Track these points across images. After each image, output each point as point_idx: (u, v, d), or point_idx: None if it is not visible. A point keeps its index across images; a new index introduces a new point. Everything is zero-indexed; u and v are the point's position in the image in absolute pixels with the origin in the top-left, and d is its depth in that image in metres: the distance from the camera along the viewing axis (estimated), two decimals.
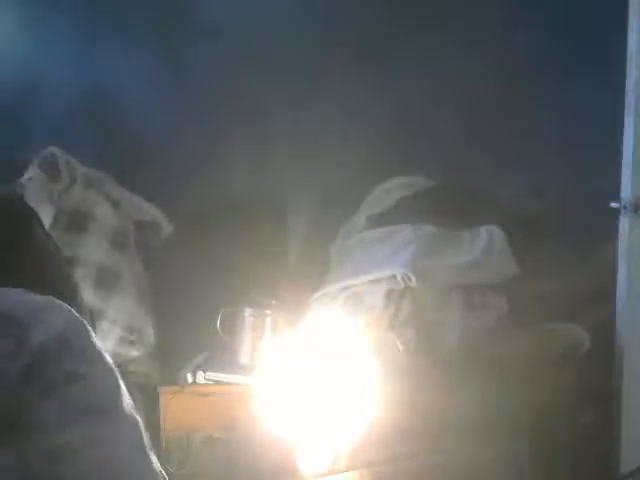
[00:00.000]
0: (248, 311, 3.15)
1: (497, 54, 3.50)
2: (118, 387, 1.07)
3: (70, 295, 1.18)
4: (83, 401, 1.01)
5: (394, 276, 3.03)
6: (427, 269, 3.08)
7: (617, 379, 3.06)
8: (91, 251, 3.23)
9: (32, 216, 1.22)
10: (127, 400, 1.07)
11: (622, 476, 3.04)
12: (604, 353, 3.08)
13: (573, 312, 3.12)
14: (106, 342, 3.13)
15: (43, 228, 1.22)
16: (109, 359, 1.08)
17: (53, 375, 1.00)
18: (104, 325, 3.15)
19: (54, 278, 1.19)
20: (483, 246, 3.25)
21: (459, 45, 3.48)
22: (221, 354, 3.16)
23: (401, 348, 2.91)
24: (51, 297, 1.08)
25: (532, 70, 3.53)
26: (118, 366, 3.16)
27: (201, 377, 3.03)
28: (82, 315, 1.18)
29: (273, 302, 3.18)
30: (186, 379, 3.04)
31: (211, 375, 3.04)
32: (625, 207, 3.04)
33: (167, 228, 3.46)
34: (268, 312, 3.15)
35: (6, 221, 1.18)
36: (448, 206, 3.41)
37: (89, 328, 1.07)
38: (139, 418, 1.07)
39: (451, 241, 3.29)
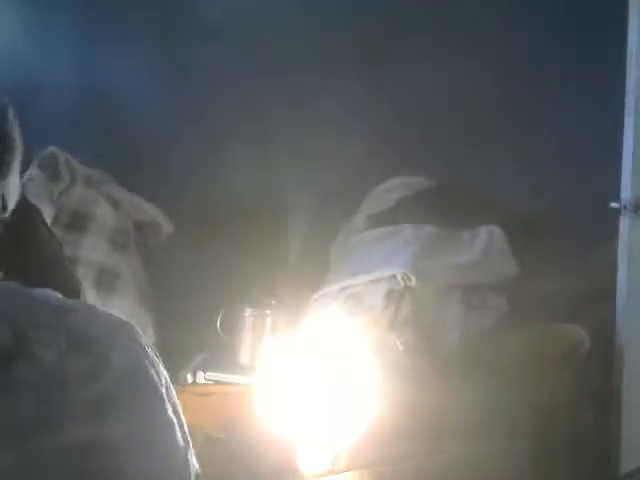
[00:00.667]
0: (248, 311, 3.15)
1: (497, 54, 3.50)
2: (173, 426, 1.04)
3: (73, 293, 1.18)
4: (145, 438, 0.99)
5: (394, 276, 3.03)
6: (427, 269, 3.08)
7: (617, 379, 3.06)
8: (91, 251, 3.23)
9: (35, 214, 1.21)
10: (180, 440, 1.05)
11: (622, 476, 3.04)
12: (604, 353, 3.08)
13: (573, 312, 3.12)
14: None
15: (46, 226, 1.22)
16: (171, 388, 1.06)
17: (128, 411, 0.97)
18: None
19: (58, 276, 1.18)
20: (483, 246, 3.25)
21: (459, 45, 3.48)
22: (221, 354, 3.15)
23: (401, 348, 2.91)
24: (123, 318, 1.06)
25: (532, 70, 3.53)
26: None
27: (201, 377, 3.03)
28: None
29: (273, 302, 3.18)
30: (186, 379, 3.04)
31: (211, 375, 3.04)
32: (625, 207, 3.04)
33: (167, 228, 3.46)
34: (268, 312, 3.15)
35: (11, 219, 1.18)
36: (448, 206, 3.41)
37: (155, 353, 1.06)
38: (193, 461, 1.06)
39: (451, 241, 3.29)
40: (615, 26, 3.11)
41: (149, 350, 1.05)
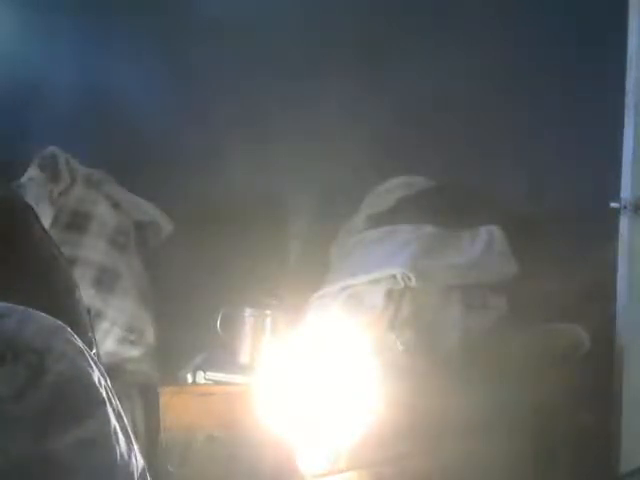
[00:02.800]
0: (248, 311, 3.15)
1: (497, 54, 3.50)
2: (114, 432, 1.00)
3: (68, 293, 1.17)
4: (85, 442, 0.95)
5: (394, 276, 3.03)
6: (427, 269, 3.08)
7: (617, 379, 3.06)
8: (91, 251, 3.23)
9: (31, 215, 1.21)
10: (122, 443, 1.00)
11: (622, 476, 3.04)
12: (604, 353, 3.08)
13: (573, 312, 3.12)
14: (106, 342, 3.13)
15: (42, 227, 1.21)
16: (104, 391, 1.01)
17: (69, 422, 0.93)
18: (104, 325, 3.15)
19: (52, 276, 1.18)
20: (483, 246, 3.25)
21: (459, 45, 3.48)
22: (221, 354, 3.16)
23: (401, 348, 2.91)
24: (59, 321, 1.00)
25: (532, 70, 3.53)
26: (118, 366, 3.18)
27: (201, 377, 3.03)
28: (80, 314, 1.17)
29: (273, 302, 3.18)
30: (186, 379, 3.04)
31: (211, 375, 3.04)
32: (625, 207, 3.05)
33: (167, 228, 3.46)
34: (268, 312, 3.15)
35: (5, 220, 1.18)
36: (448, 206, 3.41)
37: (92, 360, 1.01)
38: (134, 461, 1.02)
39: (451, 241, 3.29)
40: (615, 26, 3.12)
41: (87, 354, 1.00)
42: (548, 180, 3.54)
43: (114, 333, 3.17)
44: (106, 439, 0.96)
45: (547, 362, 3.02)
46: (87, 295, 2.93)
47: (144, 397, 3.10)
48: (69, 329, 1.01)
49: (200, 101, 3.64)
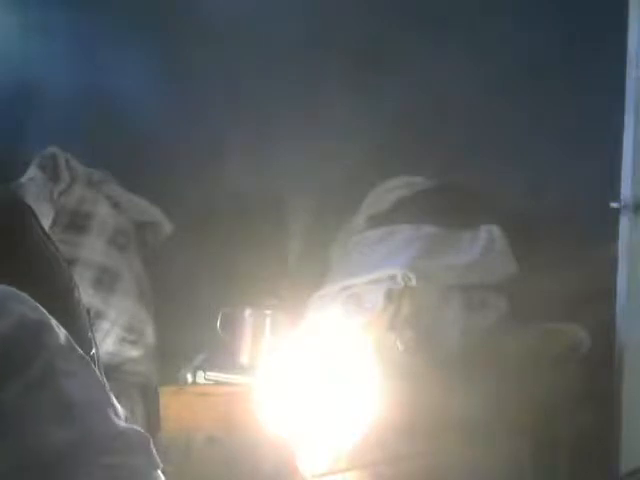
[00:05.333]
0: (248, 311, 3.16)
1: (497, 54, 3.50)
2: (100, 383, 1.03)
3: (68, 293, 1.18)
4: (63, 399, 0.97)
5: (394, 276, 3.04)
6: (427, 269, 3.08)
7: (617, 379, 3.06)
8: (91, 251, 3.23)
9: (30, 215, 1.21)
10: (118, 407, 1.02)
11: (622, 476, 3.04)
12: (604, 353, 3.08)
13: (573, 312, 3.12)
14: (106, 342, 3.13)
15: (41, 227, 1.22)
16: (80, 353, 1.03)
17: (25, 369, 0.95)
18: (104, 325, 3.15)
19: (52, 276, 1.18)
20: (483, 246, 3.26)
21: (459, 45, 3.48)
22: (221, 354, 3.16)
23: (401, 348, 2.91)
24: (13, 288, 1.02)
25: (532, 70, 3.53)
26: (118, 366, 3.18)
27: (201, 377, 3.04)
28: (79, 314, 1.17)
29: (273, 302, 3.18)
30: (186, 379, 3.04)
31: (211, 375, 3.05)
32: (625, 207, 3.05)
33: (167, 228, 3.47)
34: (268, 312, 3.15)
35: (5, 220, 1.18)
36: (448, 206, 3.41)
37: (52, 322, 1.02)
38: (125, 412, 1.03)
39: (451, 241, 3.30)
40: (615, 26, 3.12)
41: (42, 312, 1.01)
42: (548, 180, 3.54)
43: (114, 333, 3.18)
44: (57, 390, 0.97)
45: (547, 362, 3.02)
46: (87, 295, 2.94)
47: (144, 397, 3.10)
48: (21, 293, 1.02)
49: (200, 101, 3.64)
